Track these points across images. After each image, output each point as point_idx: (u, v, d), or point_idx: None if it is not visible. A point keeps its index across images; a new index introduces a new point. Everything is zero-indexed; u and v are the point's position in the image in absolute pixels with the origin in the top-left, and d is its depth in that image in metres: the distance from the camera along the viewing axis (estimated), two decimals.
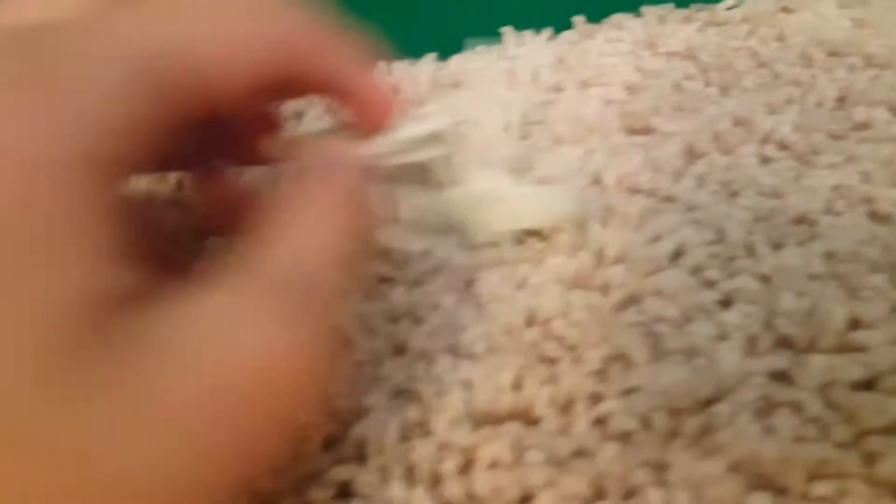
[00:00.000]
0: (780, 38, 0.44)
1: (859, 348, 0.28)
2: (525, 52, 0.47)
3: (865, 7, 0.46)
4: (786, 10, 0.47)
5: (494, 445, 0.26)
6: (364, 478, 0.26)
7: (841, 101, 0.40)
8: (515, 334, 0.30)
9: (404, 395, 0.29)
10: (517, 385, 0.28)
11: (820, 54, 0.42)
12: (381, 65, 0.47)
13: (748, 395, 0.27)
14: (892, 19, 0.45)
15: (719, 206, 0.34)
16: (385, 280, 0.33)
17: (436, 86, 0.45)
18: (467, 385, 0.28)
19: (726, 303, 0.30)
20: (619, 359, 0.29)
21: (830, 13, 0.46)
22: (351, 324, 0.31)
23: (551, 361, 0.29)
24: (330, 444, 0.28)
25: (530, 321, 0.31)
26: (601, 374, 0.28)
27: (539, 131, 0.40)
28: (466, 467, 0.26)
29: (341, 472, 0.26)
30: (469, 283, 0.32)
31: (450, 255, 0.33)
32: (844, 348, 0.29)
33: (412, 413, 0.28)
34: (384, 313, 0.31)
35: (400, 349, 0.31)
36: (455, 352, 0.30)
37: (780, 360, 0.28)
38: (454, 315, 0.31)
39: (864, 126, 0.38)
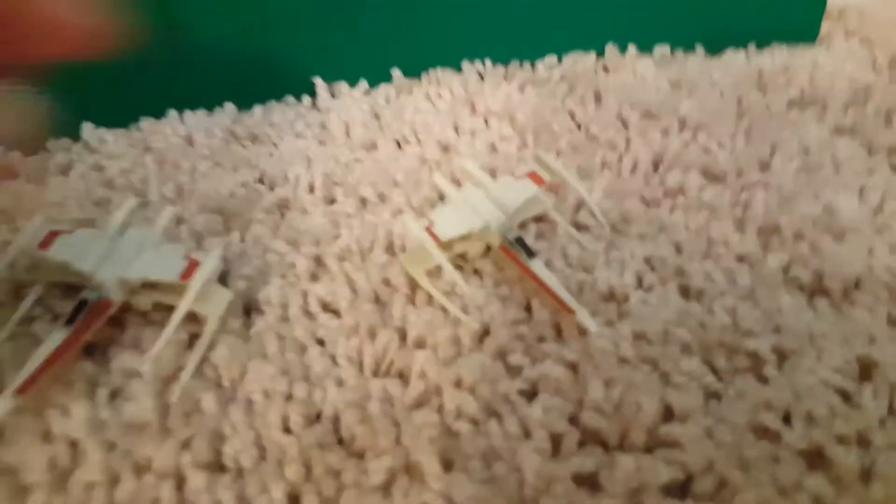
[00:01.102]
0: (598, 98, 0.43)
1: (671, 443, 0.25)
2: (338, 104, 0.42)
3: (681, 67, 0.46)
4: (605, 69, 0.46)
5: None
6: None
7: (655, 164, 0.38)
8: (294, 437, 0.24)
9: None
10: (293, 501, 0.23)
11: (635, 117, 0.41)
12: (172, 113, 0.40)
13: None
14: (706, 80, 0.44)
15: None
16: (133, 375, 0.26)
17: (231, 139, 0.39)
18: None
19: (531, 393, 0.26)
20: (410, 470, 0.24)
21: (648, 73, 0.45)
22: (84, 433, 0.24)
23: (335, 474, 0.24)
24: None
25: (313, 418, 0.25)
26: (386, 490, 0.23)
27: (345, 192, 0.35)
28: None
29: None
30: (239, 377, 0.26)
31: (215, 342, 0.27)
32: (655, 444, 0.25)
33: None
34: (127, 420, 0.24)
35: (143, 467, 0.24)
36: (215, 466, 0.24)
37: (586, 461, 0.24)
38: (216, 420, 0.25)
39: (677, 192, 0.36)
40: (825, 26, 0.52)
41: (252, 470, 0.23)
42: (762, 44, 0.50)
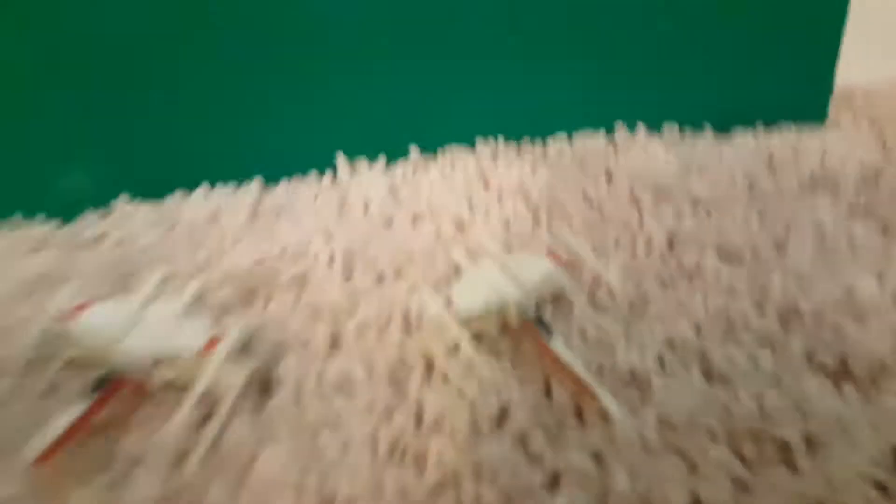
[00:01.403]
0: (609, 178, 0.43)
1: None
2: (357, 181, 0.42)
3: (691, 148, 0.46)
4: (615, 149, 0.46)
5: None
6: None
7: (670, 243, 0.38)
8: None
9: None
10: None
11: (647, 196, 0.40)
12: (201, 191, 0.41)
13: None
14: (716, 160, 0.44)
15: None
16: (138, 461, 0.25)
17: (257, 214, 0.39)
18: None
19: (553, 484, 0.25)
20: None
21: (658, 154, 0.45)
22: None
23: None
24: None
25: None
26: None
27: (363, 267, 0.35)
28: None
29: None
30: (249, 463, 0.25)
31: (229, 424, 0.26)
32: None
33: None
34: None
35: None
36: None
37: None
38: None
39: (694, 273, 0.35)
40: (834, 108, 0.52)
41: None
42: (770, 124, 0.50)
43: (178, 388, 0.27)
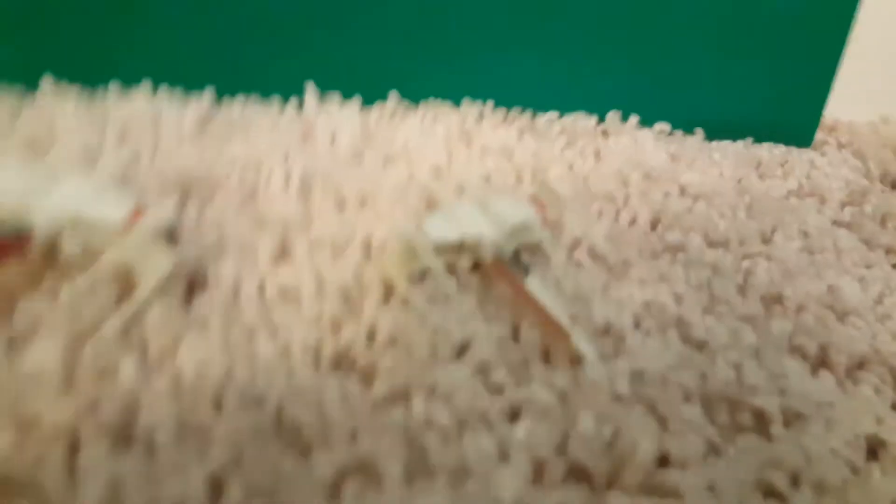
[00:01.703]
0: (597, 155, 0.43)
1: (668, 491, 0.23)
2: (326, 114, 0.41)
3: (681, 144, 0.47)
4: (605, 133, 0.47)
5: None
6: None
7: (654, 224, 0.38)
8: (223, 419, 0.21)
9: (18, 489, 0.18)
10: (214, 490, 0.19)
11: (635, 176, 0.41)
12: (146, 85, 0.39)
13: None
14: (705, 158, 0.46)
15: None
16: (39, 323, 0.23)
17: (205, 126, 0.38)
18: (118, 484, 0.18)
19: (512, 416, 0.24)
20: (364, 471, 0.20)
21: (648, 143, 0.46)
22: None
23: (269, 464, 0.20)
24: None
25: (251, 404, 0.22)
26: (334, 489, 0.20)
27: (323, 192, 0.34)
28: None
29: None
30: (171, 348, 0.23)
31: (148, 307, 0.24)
32: (650, 490, 0.23)
33: None
34: (26, 370, 0.21)
35: (32, 423, 0.20)
36: (122, 435, 0.20)
37: (571, 495, 0.22)
38: (134, 386, 0.21)
39: (678, 249, 0.36)
40: (819, 135, 0.55)
41: (168, 448, 0.20)
42: (757, 140, 0.52)
43: (91, 258, 0.25)
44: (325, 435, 0.21)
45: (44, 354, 0.21)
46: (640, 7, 0.47)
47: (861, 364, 0.31)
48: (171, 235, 0.27)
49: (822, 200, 0.44)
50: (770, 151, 0.50)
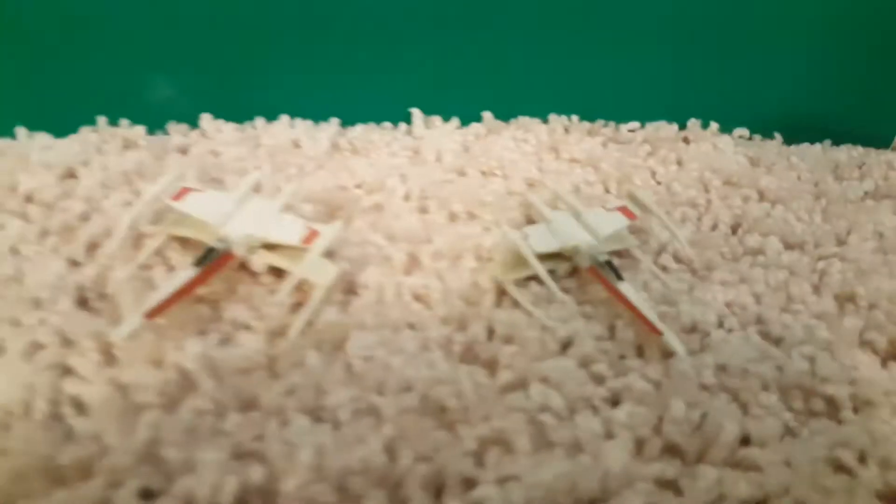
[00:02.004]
0: (679, 162, 0.47)
1: (749, 466, 0.27)
2: (431, 134, 0.47)
3: (760, 148, 0.50)
4: (686, 140, 0.50)
5: None
6: None
7: (734, 228, 0.42)
8: (389, 401, 0.27)
9: (248, 454, 0.24)
10: (389, 456, 0.25)
11: (716, 182, 0.45)
12: (285, 118, 0.45)
13: (634, 500, 0.24)
14: (783, 162, 0.49)
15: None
16: (243, 327, 0.29)
17: (335, 148, 0.44)
18: (323, 451, 0.24)
19: (613, 402, 0.29)
20: (499, 443, 0.26)
21: (727, 148, 0.49)
22: (196, 366, 0.26)
23: (428, 436, 0.26)
24: (148, 495, 0.23)
25: (409, 387, 0.28)
26: (479, 456, 0.25)
27: (437, 206, 0.39)
28: None
29: None
30: (340, 343, 0.29)
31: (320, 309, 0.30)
32: (733, 465, 0.27)
33: (254, 475, 0.23)
34: (237, 362, 0.27)
35: (249, 404, 0.26)
36: (315, 414, 0.26)
37: (668, 468, 0.26)
38: (319, 374, 0.27)
39: (757, 252, 0.39)
40: None
41: (350, 423, 0.26)
42: (836, 143, 0.54)
43: (273, 275, 0.31)
44: (464, 414, 0.27)
45: (250, 350, 0.27)
46: (718, 16, 0.50)
47: None
48: (329, 255, 0.33)
49: None
50: (848, 153, 0.52)
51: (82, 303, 0.30)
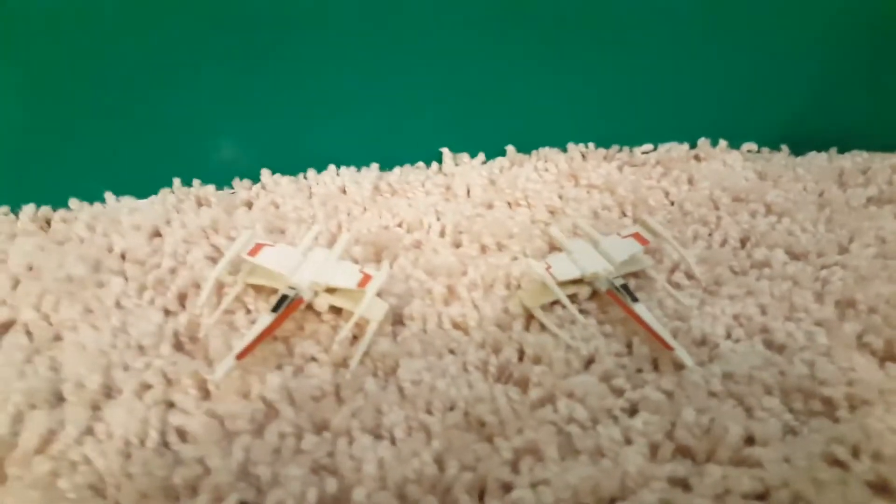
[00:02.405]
0: (690, 181, 0.50)
1: (753, 463, 0.31)
2: (460, 171, 0.51)
3: (767, 162, 0.53)
4: (697, 158, 0.54)
5: None
6: None
7: (743, 242, 0.45)
8: (436, 419, 0.31)
9: (323, 469, 0.29)
10: (439, 467, 0.29)
11: (726, 199, 0.48)
12: (332, 168, 0.51)
13: (649, 497, 0.28)
14: (790, 174, 0.51)
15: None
16: (311, 360, 0.34)
17: (377, 192, 0.49)
18: (384, 464, 0.29)
19: (632, 411, 0.33)
20: (532, 452, 0.30)
21: (737, 164, 0.52)
22: (277, 396, 0.31)
23: (471, 449, 0.30)
24: None
25: (452, 406, 0.32)
26: (514, 464, 0.30)
27: (469, 240, 0.44)
28: None
29: None
30: (392, 369, 0.34)
31: (374, 341, 0.35)
32: (738, 463, 0.31)
33: (330, 486, 0.28)
34: (309, 390, 0.32)
35: (322, 426, 0.31)
36: (375, 432, 0.31)
37: (679, 468, 0.30)
38: (377, 398, 0.32)
39: (763, 264, 0.43)
40: None
41: (404, 439, 0.30)
42: (843, 150, 0.57)
43: (337, 310, 0.36)
44: (502, 428, 0.31)
45: (320, 380, 0.32)
46: (723, 34, 0.52)
47: None
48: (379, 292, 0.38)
49: None
50: (853, 160, 0.54)
51: (178, 346, 0.35)
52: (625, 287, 0.37)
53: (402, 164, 0.52)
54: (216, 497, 0.28)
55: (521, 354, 0.35)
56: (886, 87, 0.56)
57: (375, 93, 0.49)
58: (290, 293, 0.34)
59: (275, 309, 0.33)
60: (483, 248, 0.43)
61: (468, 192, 0.49)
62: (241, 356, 0.31)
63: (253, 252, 0.36)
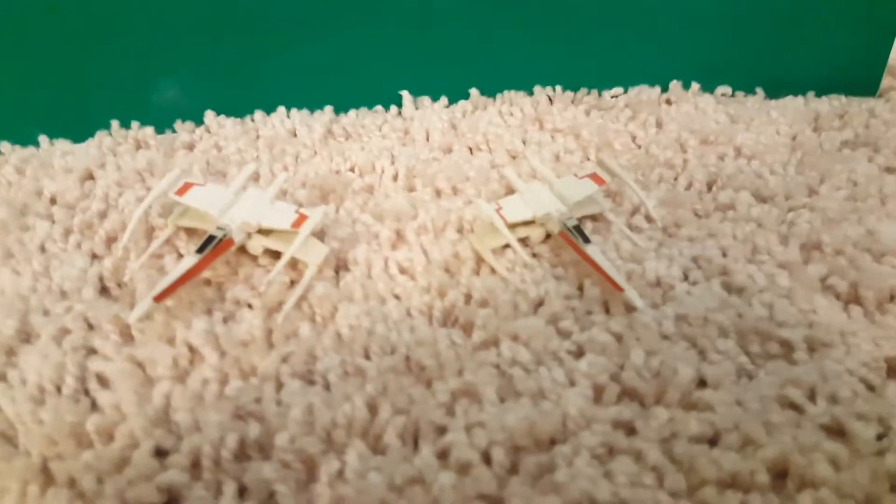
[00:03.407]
0: (659, 125, 0.48)
1: (703, 407, 0.29)
2: (420, 115, 0.49)
3: (741, 105, 0.51)
4: (668, 101, 0.51)
5: (335, 463, 0.25)
6: (196, 492, 0.25)
7: (709, 185, 0.43)
8: (373, 363, 0.30)
9: (250, 415, 0.27)
10: (371, 411, 0.28)
11: (694, 142, 0.46)
12: (281, 109, 0.48)
13: (590, 440, 0.27)
14: (763, 117, 0.49)
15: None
16: (240, 303, 0.32)
17: (329, 135, 0.46)
18: (312, 409, 0.27)
19: (578, 354, 0.31)
20: (469, 395, 0.29)
21: (709, 107, 0.50)
22: (202, 341, 0.30)
23: (405, 392, 0.29)
24: (161, 453, 0.26)
25: (389, 351, 0.31)
26: (450, 408, 0.28)
27: (423, 184, 0.42)
28: (305, 486, 0.25)
29: (171, 482, 0.25)
30: (331, 314, 0.32)
31: (312, 286, 0.33)
32: (688, 407, 0.30)
33: (252, 431, 0.26)
34: (238, 335, 0.30)
35: (250, 372, 0.29)
36: (308, 378, 0.29)
37: (625, 411, 0.29)
38: (310, 342, 0.30)
39: (728, 207, 0.41)
40: (887, 81, 0.56)
41: (337, 384, 0.29)
42: (821, 94, 0.55)
43: (270, 257, 0.34)
44: (441, 371, 0.29)
45: (250, 325, 0.31)
46: None
47: (892, 297, 0.35)
48: (319, 237, 0.36)
49: (876, 149, 0.47)
50: (830, 104, 0.52)
51: (104, 291, 0.33)
52: (577, 228, 0.35)
53: (358, 108, 0.49)
54: (131, 444, 0.26)
55: (469, 299, 0.34)
56: (866, 30, 0.54)
57: (331, 32, 0.47)
58: (218, 234, 0.32)
59: (200, 250, 0.31)
60: (437, 193, 0.42)
61: (427, 136, 0.47)
62: (158, 298, 0.29)
63: (181, 192, 0.34)
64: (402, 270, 0.35)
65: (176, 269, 0.31)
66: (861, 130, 0.49)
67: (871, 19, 0.53)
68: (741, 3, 0.51)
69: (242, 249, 0.34)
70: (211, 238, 0.32)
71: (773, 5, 0.52)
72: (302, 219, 0.33)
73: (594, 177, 0.39)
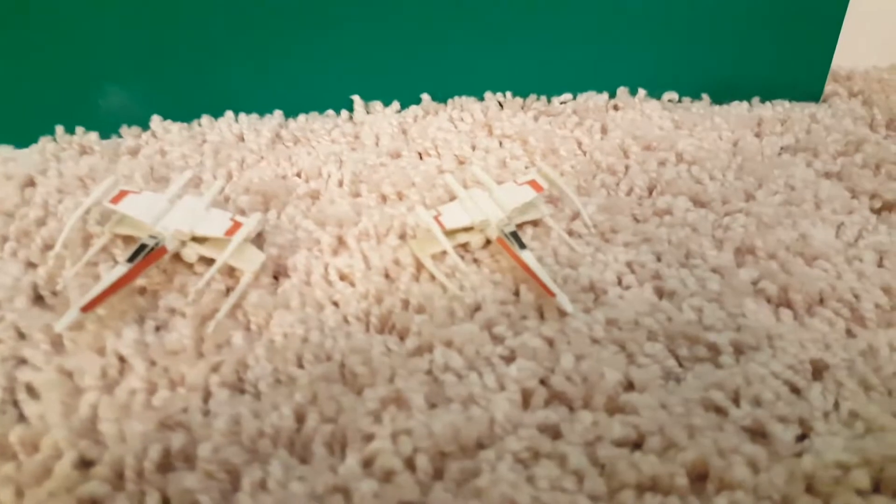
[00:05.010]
0: (604, 131, 0.49)
1: (629, 410, 0.30)
2: (371, 119, 0.49)
3: (686, 111, 0.52)
4: (615, 107, 0.52)
5: (258, 473, 0.25)
6: (118, 503, 0.24)
7: (650, 190, 0.44)
8: (305, 372, 0.30)
9: (179, 425, 0.27)
10: (299, 420, 0.28)
11: (636, 148, 0.46)
12: (229, 114, 0.48)
13: (516, 445, 0.27)
14: (707, 123, 0.50)
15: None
16: (174, 312, 0.32)
17: (277, 140, 0.46)
18: (239, 418, 0.27)
19: (510, 359, 0.31)
20: (399, 403, 0.29)
21: (654, 113, 0.51)
22: (131, 351, 0.29)
23: (336, 400, 0.29)
24: (84, 464, 0.26)
25: (323, 359, 0.31)
26: (377, 415, 0.28)
27: (368, 189, 0.42)
28: (228, 496, 0.25)
29: (92, 493, 0.24)
30: (266, 322, 0.32)
31: (247, 293, 0.33)
32: (615, 410, 0.30)
33: (176, 442, 0.26)
34: (168, 345, 0.30)
35: (178, 381, 0.29)
36: (238, 387, 0.29)
37: (551, 415, 0.29)
38: (242, 351, 0.30)
39: (665, 212, 0.41)
40: (831, 87, 0.57)
41: (267, 393, 0.29)
42: (766, 99, 0.55)
43: (205, 264, 0.34)
44: (372, 378, 0.29)
45: (180, 334, 0.30)
46: None
47: (821, 300, 0.36)
48: (259, 243, 0.35)
49: (816, 154, 0.48)
50: (773, 109, 0.53)
51: (38, 300, 0.33)
52: (514, 234, 0.36)
53: (308, 112, 0.49)
54: (54, 455, 0.26)
55: (406, 305, 0.34)
56: (810, 36, 0.54)
57: (282, 36, 0.46)
58: (150, 242, 0.32)
59: (131, 259, 0.31)
60: (383, 198, 0.41)
61: (377, 141, 0.47)
62: (86, 308, 0.29)
63: (116, 199, 0.34)
64: (342, 277, 0.35)
65: (106, 279, 0.30)
66: (802, 136, 0.50)
67: (815, 25, 0.54)
68: (688, 11, 0.52)
69: (178, 257, 0.34)
70: (143, 247, 0.31)
71: (719, 12, 0.52)
72: (237, 226, 0.33)
73: (533, 183, 0.39)
